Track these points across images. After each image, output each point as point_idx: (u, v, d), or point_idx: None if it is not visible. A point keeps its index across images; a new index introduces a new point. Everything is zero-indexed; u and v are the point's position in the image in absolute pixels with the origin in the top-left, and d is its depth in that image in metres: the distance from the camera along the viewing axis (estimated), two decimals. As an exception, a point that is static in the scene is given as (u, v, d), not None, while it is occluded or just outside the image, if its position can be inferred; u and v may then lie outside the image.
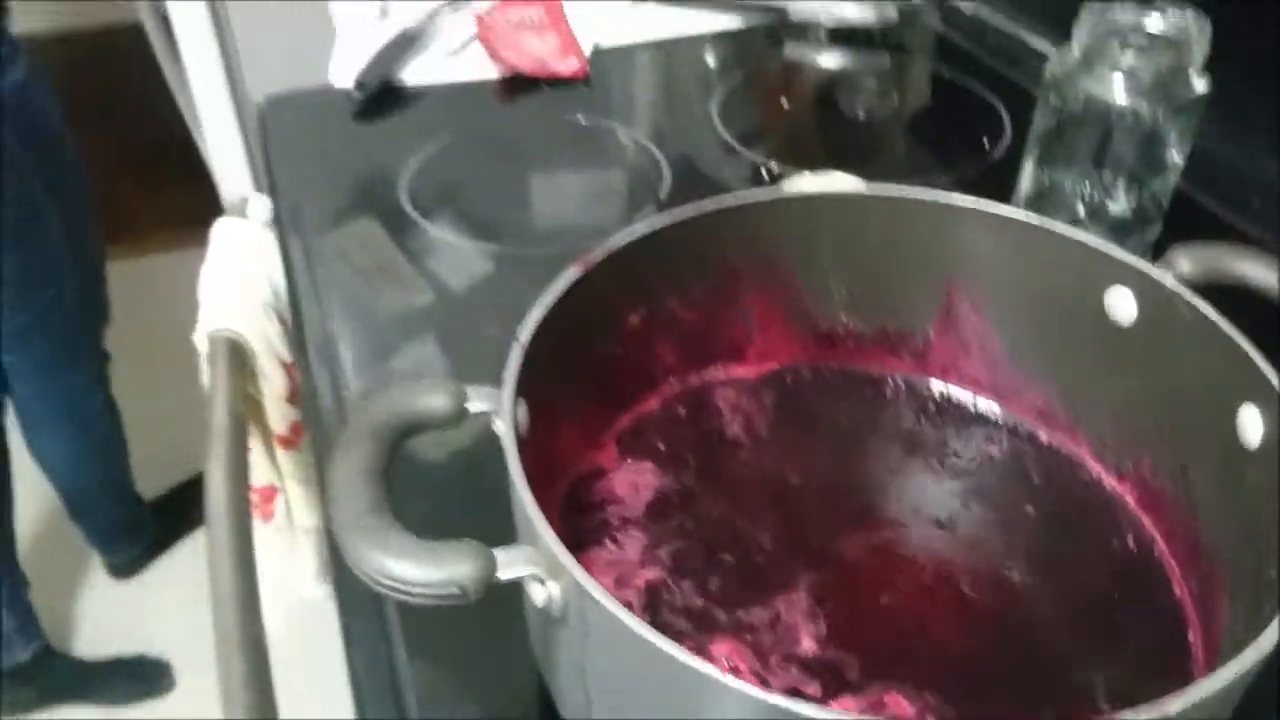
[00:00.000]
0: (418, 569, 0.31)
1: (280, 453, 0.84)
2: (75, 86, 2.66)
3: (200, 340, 0.76)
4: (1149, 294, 0.43)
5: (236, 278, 0.81)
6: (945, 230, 0.48)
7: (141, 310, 1.86)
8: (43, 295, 1.26)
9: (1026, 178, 0.63)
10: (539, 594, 0.33)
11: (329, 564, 0.54)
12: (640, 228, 0.46)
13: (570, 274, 0.43)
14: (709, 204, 0.48)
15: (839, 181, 0.66)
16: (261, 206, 0.89)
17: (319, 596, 0.93)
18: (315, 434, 0.63)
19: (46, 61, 1.26)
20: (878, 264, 0.50)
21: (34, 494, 1.47)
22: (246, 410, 0.76)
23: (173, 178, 2.09)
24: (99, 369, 1.43)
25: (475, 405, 0.38)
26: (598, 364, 0.47)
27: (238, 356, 0.75)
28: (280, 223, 0.77)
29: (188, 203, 2.01)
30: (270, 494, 0.86)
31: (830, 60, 0.95)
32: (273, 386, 0.80)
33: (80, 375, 1.38)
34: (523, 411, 0.39)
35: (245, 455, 0.70)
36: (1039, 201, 0.63)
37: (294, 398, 0.82)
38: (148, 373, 1.69)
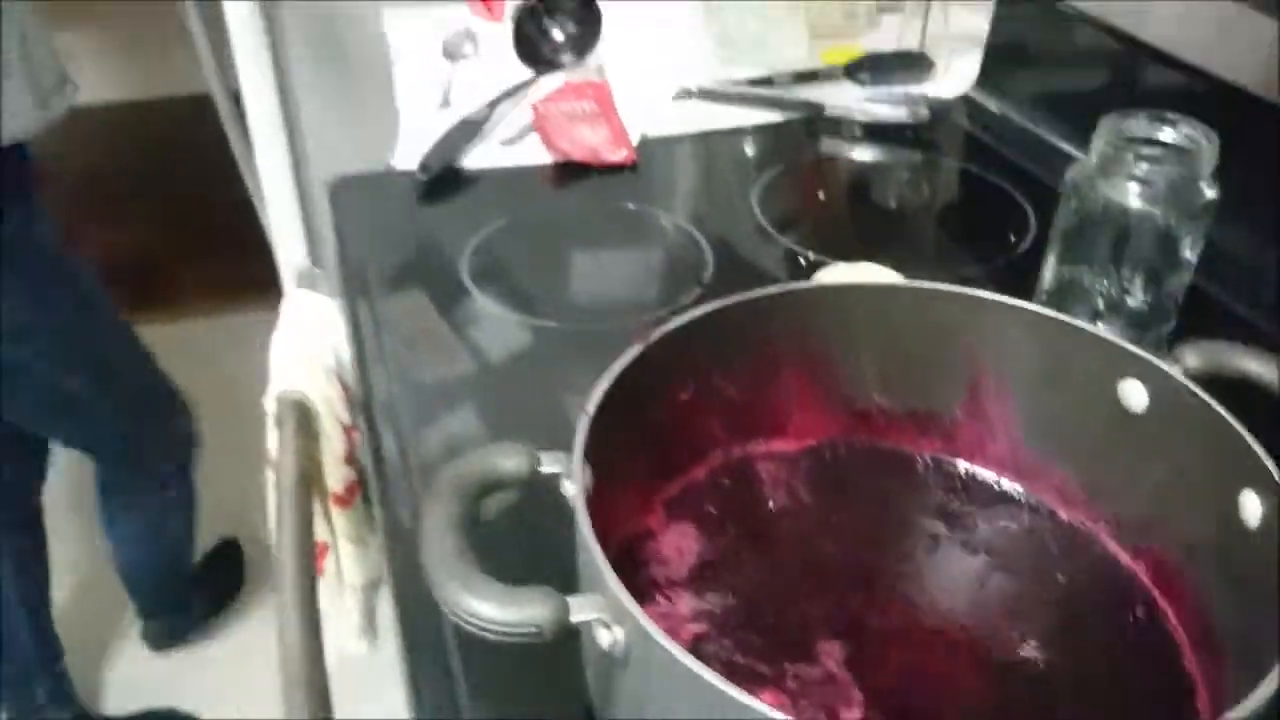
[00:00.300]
0: (501, 610, 0.35)
1: (335, 511, 0.88)
2: (141, 154, 2.80)
3: (269, 402, 0.82)
4: (1158, 385, 0.47)
5: (303, 345, 0.86)
6: (971, 321, 0.52)
7: (190, 370, 1.93)
8: (85, 418, 1.29)
9: (1049, 272, 0.68)
10: (604, 637, 0.37)
11: (395, 616, 0.58)
12: (694, 312, 0.51)
13: (631, 352, 0.48)
14: (756, 292, 0.52)
15: (873, 273, 0.71)
16: (326, 279, 0.95)
17: (361, 652, 0.97)
18: (380, 489, 0.67)
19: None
20: (909, 350, 0.55)
21: (66, 556, 1.50)
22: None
23: (225, 244, 2.17)
24: (181, 460, 1.43)
25: (547, 468, 0.43)
26: (651, 435, 0.51)
27: (304, 418, 0.80)
28: (349, 293, 0.82)
29: (237, 270, 2.10)
30: (322, 550, 0.90)
31: (864, 154, 1.01)
32: (332, 447, 0.85)
33: (155, 472, 1.40)
34: (587, 475, 0.43)
35: (311, 511, 0.75)
36: (1060, 295, 0.67)
37: (351, 458, 0.87)
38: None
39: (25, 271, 1.14)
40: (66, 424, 1.31)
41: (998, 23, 1.03)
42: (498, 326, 0.76)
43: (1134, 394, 0.48)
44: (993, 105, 1.03)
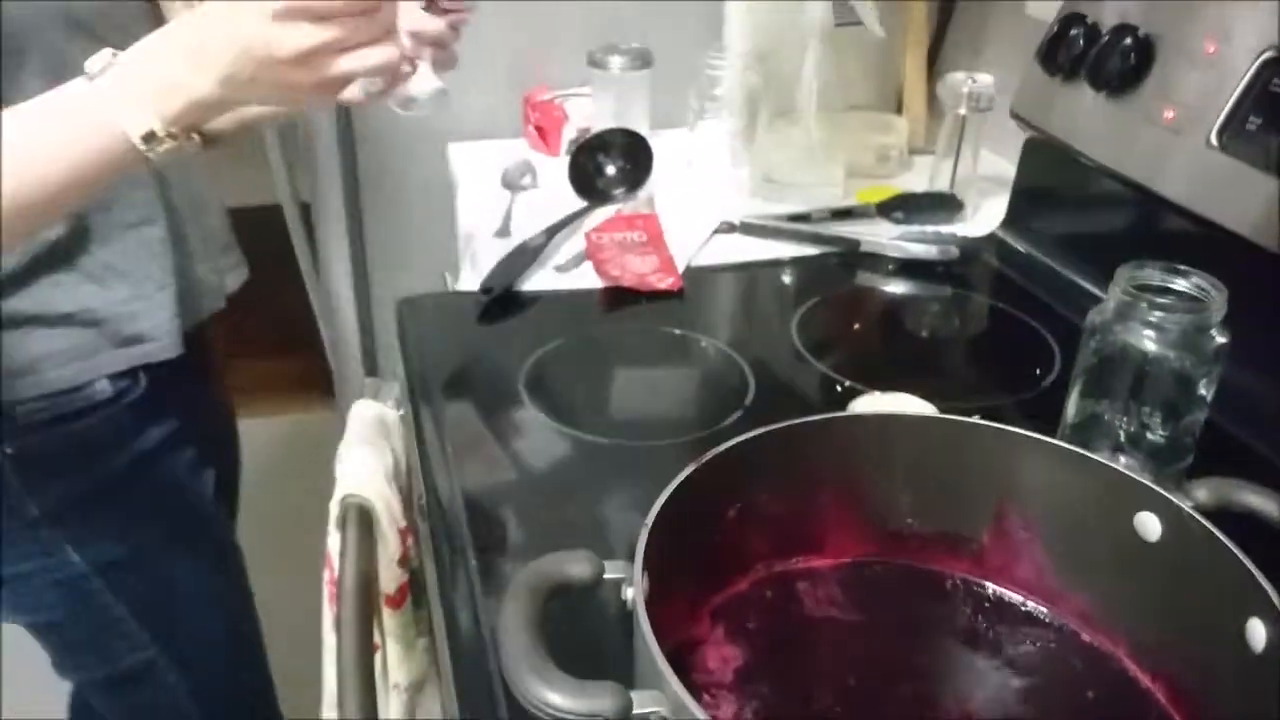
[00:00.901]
0: (572, 700, 0.40)
1: (386, 611, 0.92)
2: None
3: (334, 505, 0.87)
4: (1170, 518, 0.51)
5: (366, 452, 0.92)
6: (999, 453, 0.57)
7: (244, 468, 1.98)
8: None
9: (1072, 407, 0.72)
10: (662, 731, 0.41)
11: (456, 711, 0.62)
12: (741, 437, 0.56)
13: (685, 472, 0.53)
14: (800, 420, 0.57)
15: (906, 403, 0.76)
16: (389, 391, 1.01)
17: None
18: (440, 588, 0.71)
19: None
20: (940, 477, 0.59)
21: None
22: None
23: (283, 348, 2.26)
24: None
25: (610, 574, 0.47)
26: (701, 549, 0.56)
27: (365, 522, 0.85)
28: (414, 404, 0.88)
29: (292, 372, 2.18)
30: (373, 650, 0.94)
31: (897, 288, 1.07)
32: (388, 549, 0.89)
33: None
34: (645, 582, 0.48)
35: (371, 613, 0.79)
36: (1083, 429, 0.72)
37: (404, 560, 0.91)
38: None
39: (144, 504, 0.93)
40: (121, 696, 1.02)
41: (1023, 169, 1.11)
42: (550, 439, 0.81)
43: (1148, 525, 0.52)
44: (1019, 245, 1.09)
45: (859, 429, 0.59)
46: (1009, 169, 1.15)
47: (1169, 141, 0.87)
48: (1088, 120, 0.97)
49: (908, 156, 1.31)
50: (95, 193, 0.65)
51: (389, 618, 0.93)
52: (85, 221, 0.83)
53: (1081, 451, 0.55)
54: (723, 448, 0.55)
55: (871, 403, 0.80)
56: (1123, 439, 0.71)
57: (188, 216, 0.94)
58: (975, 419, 0.60)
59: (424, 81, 0.82)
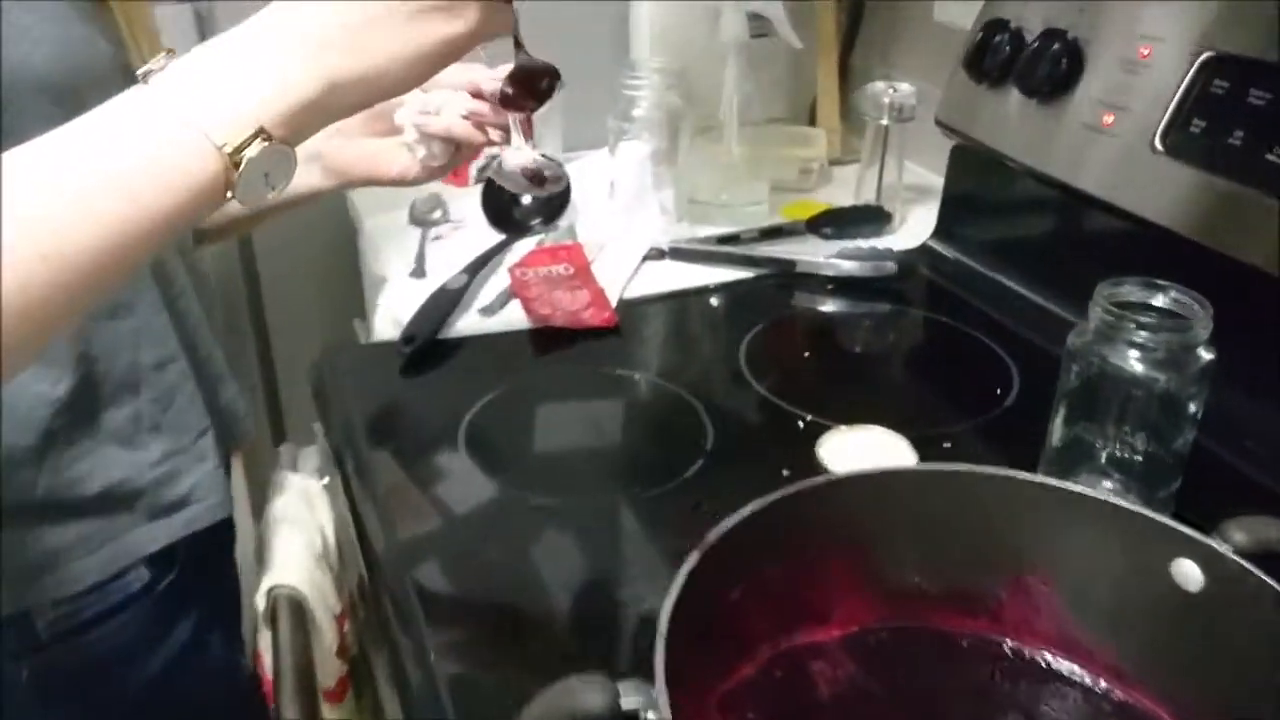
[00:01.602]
0: None
1: (326, 706, 0.84)
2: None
3: (260, 597, 0.78)
4: (1212, 565, 0.48)
5: (291, 532, 0.83)
6: (1009, 501, 0.53)
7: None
8: None
9: (1056, 432, 0.69)
10: None
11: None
12: (739, 513, 0.50)
13: (687, 567, 0.47)
14: (795, 487, 0.52)
15: (879, 436, 0.72)
16: (307, 458, 0.92)
17: None
18: (394, 670, 0.63)
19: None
20: (946, 531, 0.55)
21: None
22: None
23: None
24: None
25: (627, 701, 0.41)
26: (703, 639, 0.50)
27: (298, 612, 0.77)
28: (342, 470, 0.79)
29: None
30: (311, 750, 0.85)
31: (838, 308, 1.03)
32: (324, 640, 0.81)
33: None
34: (667, 705, 0.41)
35: (313, 711, 0.71)
36: (1067, 454, 0.69)
37: (343, 650, 0.83)
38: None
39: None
40: None
41: (951, 178, 1.09)
42: (501, 504, 0.75)
43: (1188, 574, 0.49)
44: (952, 254, 1.07)
45: (858, 489, 0.54)
46: (932, 178, 1.13)
47: (1109, 146, 0.85)
48: (1018, 126, 0.95)
49: (829, 169, 1.28)
50: (185, 228, 0.47)
51: (329, 712, 0.85)
52: (97, 368, 0.66)
53: (1101, 495, 0.52)
54: (722, 529, 0.49)
55: (842, 440, 0.75)
56: (1104, 461, 0.68)
57: (206, 333, 0.77)
58: (986, 468, 0.56)
59: (519, 153, 0.70)
